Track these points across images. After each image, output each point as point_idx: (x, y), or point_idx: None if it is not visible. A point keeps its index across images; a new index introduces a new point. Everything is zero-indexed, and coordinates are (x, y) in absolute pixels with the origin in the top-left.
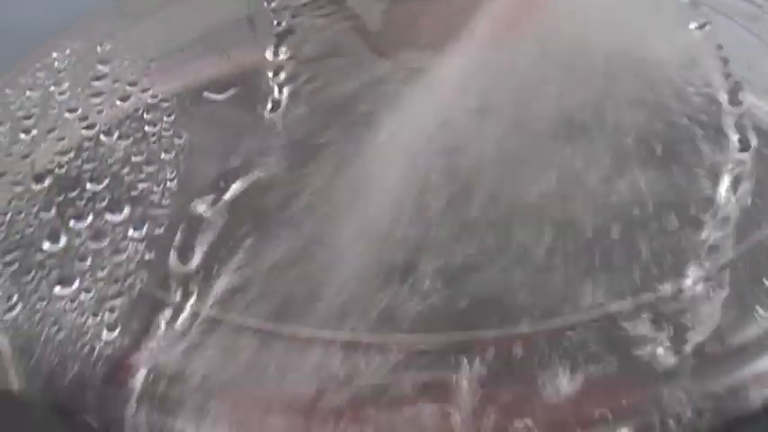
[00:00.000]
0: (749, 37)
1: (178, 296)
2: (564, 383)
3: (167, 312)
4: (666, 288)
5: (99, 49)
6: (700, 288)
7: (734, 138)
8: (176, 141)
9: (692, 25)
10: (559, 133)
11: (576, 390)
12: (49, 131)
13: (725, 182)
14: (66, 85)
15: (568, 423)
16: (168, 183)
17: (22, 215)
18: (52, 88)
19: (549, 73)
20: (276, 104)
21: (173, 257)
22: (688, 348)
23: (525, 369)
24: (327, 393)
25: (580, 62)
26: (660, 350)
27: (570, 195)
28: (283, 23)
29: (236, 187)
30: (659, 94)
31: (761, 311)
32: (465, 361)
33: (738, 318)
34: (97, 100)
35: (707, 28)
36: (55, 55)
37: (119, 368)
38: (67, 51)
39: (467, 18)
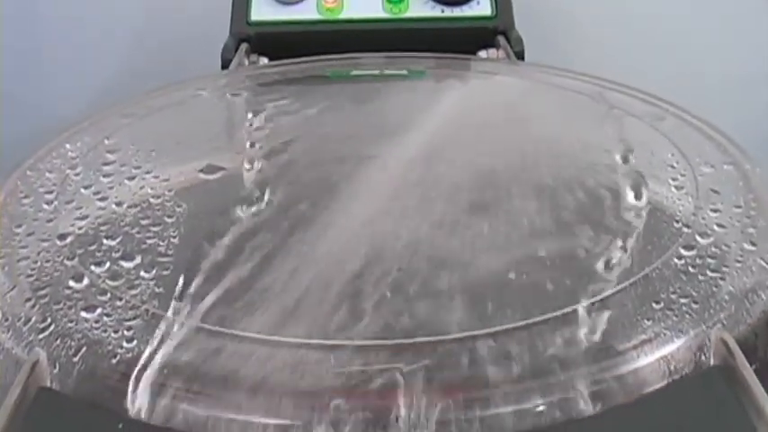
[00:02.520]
0: (653, 132)
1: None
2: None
3: (168, 324)
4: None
5: (107, 141)
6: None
7: (631, 206)
8: (177, 209)
9: (605, 123)
10: (486, 203)
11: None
12: (68, 203)
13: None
14: (80, 169)
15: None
16: (172, 239)
17: (50, 263)
18: (68, 171)
19: (480, 153)
20: (249, 181)
21: (177, 288)
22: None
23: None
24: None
25: (508, 149)
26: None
27: (497, 246)
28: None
29: (224, 242)
30: (573, 172)
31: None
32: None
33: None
34: (107, 180)
35: (617, 125)
36: (68, 146)
37: (134, 368)
38: (79, 144)
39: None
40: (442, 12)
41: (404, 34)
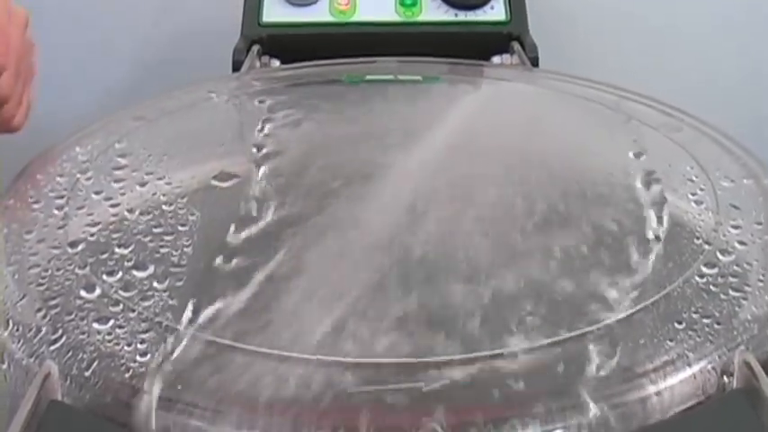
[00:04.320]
0: (670, 144)
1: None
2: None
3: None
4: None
5: (117, 145)
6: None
7: (651, 220)
8: (190, 217)
9: (622, 135)
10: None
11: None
12: (79, 209)
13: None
14: (91, 173)
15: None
16: (185, 248)
17: (61, 272)
18: (78, 176)
19: (494, 164)
20: (261, 189)
21: (190, 301)
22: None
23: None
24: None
25: (521, 161)
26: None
27: (514, 262)
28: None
29: (238, 253)
30: (592, 187)
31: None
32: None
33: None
34: (119, 185)
35: (635, 136)
36: (78, 149)
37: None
38: (89, 147)
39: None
40: (456, 16)
41: (416, 38)
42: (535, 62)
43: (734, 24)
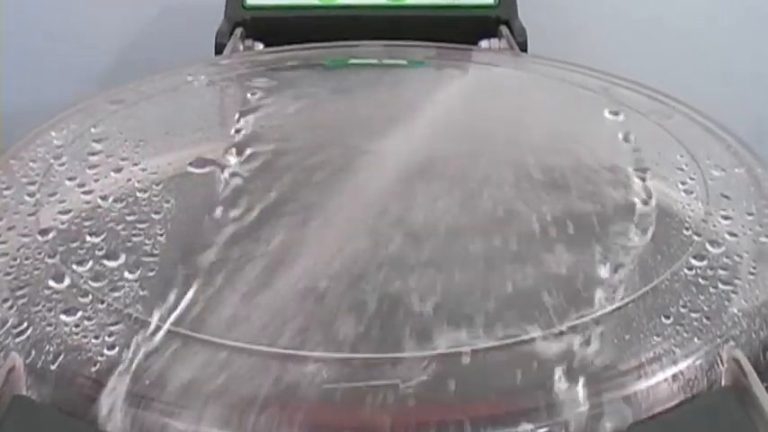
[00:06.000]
0: (660, 131)
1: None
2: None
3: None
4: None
5: (93, 130)
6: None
7: (639, 210)
8: (164, 205)
9: (611, 123)
10: (485, 197)
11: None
12: (51, 195)
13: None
14: (65, 158)
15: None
16: (158, 237)
17: (30, 260)
18: (52, 161)
19: (480, 151)
20: (240, 176)
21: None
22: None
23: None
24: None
25: (507, 150)
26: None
27: (496, 254)
28: (250, 110)
29: (212, 243)
30: (578, 176)
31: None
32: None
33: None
34: (93, 171)
35: (623, 122)
36: (53, 134)
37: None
38: (64, 131)
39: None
40: None
41: (403, 21)
42: (524, 47)
43: (731, 18)
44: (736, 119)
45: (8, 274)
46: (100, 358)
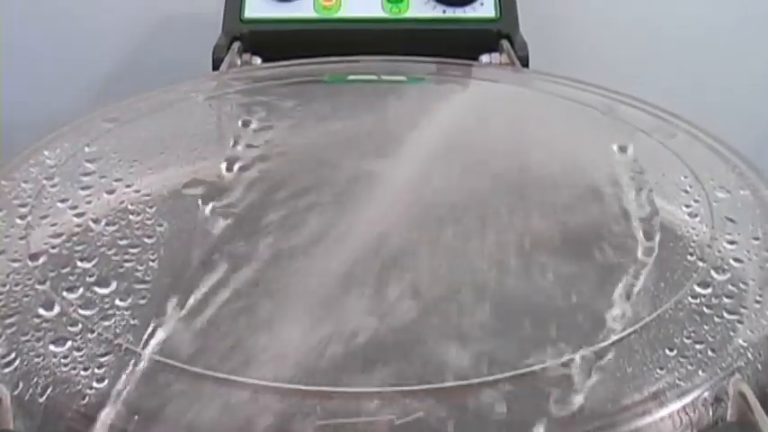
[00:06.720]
0: (664, 151)
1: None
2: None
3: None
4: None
5: (87, 149)
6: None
7: (642, 235)
8: (157, 228)
9: (615, 141)
10: (488, 227)
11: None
12: (43, 218)
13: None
14: (58, 179)
15: None
16: (150, 262)
17: (20, 287)
18: (44, 182)
19: (482, 172)
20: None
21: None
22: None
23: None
24: None
25: (507, 171)
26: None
27: (496, 281)
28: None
29: (205, 270)
30: (581, 199)
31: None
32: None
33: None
34: (86, 192)
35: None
36: (46, 153)
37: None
38: (58, 150)
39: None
40: (444, 13)
41: (403, 35)
42: (525, 61)
43: (733, 19)
44: (740, 132)
45: None
46: (89, 391)
